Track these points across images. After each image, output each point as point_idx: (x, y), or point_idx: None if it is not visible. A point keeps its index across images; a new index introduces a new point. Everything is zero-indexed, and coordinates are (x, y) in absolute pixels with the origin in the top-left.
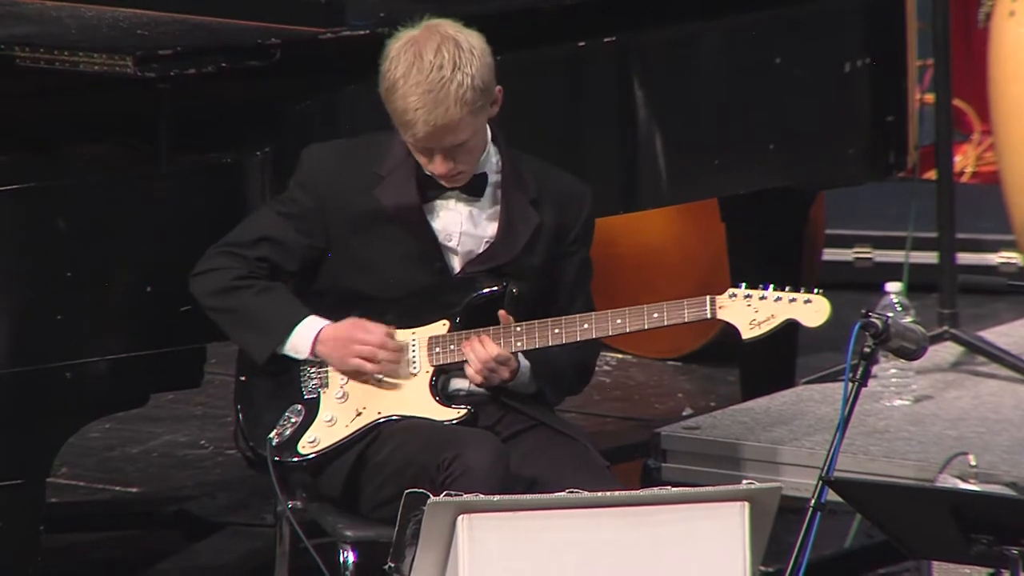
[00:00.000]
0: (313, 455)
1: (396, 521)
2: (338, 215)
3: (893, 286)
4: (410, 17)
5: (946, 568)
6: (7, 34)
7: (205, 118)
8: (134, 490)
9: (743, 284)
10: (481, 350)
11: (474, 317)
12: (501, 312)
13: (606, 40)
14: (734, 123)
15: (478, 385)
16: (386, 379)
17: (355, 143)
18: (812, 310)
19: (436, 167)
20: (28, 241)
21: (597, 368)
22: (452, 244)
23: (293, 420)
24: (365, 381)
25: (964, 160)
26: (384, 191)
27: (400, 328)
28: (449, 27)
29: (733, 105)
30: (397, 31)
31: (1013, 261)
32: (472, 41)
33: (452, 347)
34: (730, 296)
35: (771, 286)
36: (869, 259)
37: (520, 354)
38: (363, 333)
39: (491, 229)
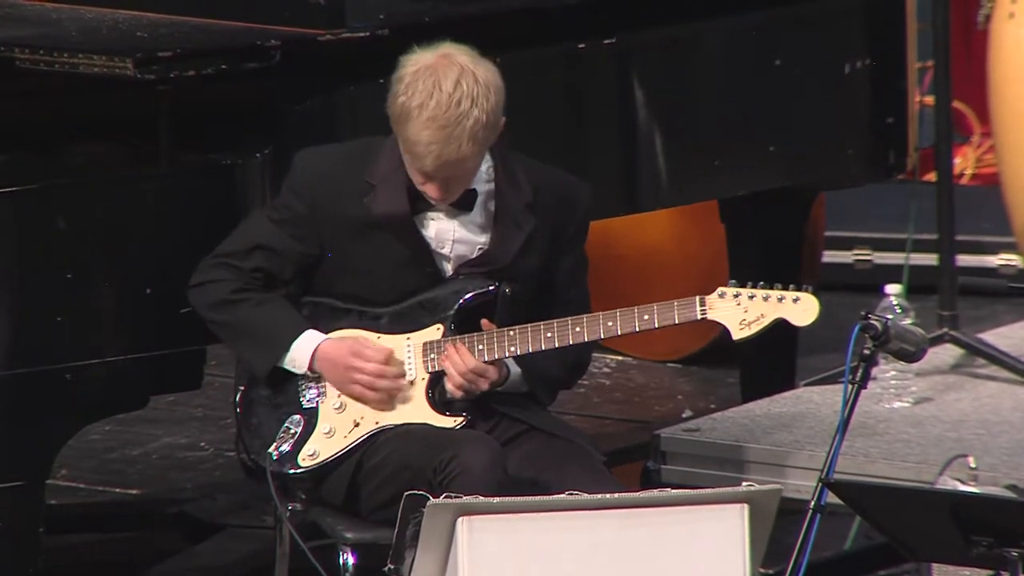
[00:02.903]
0: (313, 467)
1: (395, 523)
2: (331, 221)
3: (893, 288)
4: (410, 18)
5: (946, 570)
6: (7, 36)
7: (205, 119)
8: (134, 492)
9: (732, 282)
10: (459, 362)
11: (468, 320)
12: (483, 321)
13: (606, 41)
14: (734, 124)
15: (459, 396)
16: (389, 385)
17: (348, 148)
18: (801, 309)
19: (430, 190)
20: (28, 242)
21: (597, 370)
22: (445, 251)
23: (292, 431)
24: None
25: (964, 162)
26: (375, 200)
27: (394, 333)
28: (466, 58)
29: (733, 106)
30: (411, 51)
31: (1013, 263)
32: (488, 75)
33: (448, 341)
34: (719, 295)
35: (760, 284)
36: (869, 261)
37: (511, 360)
38: (361, 361)
39: (483, 237)
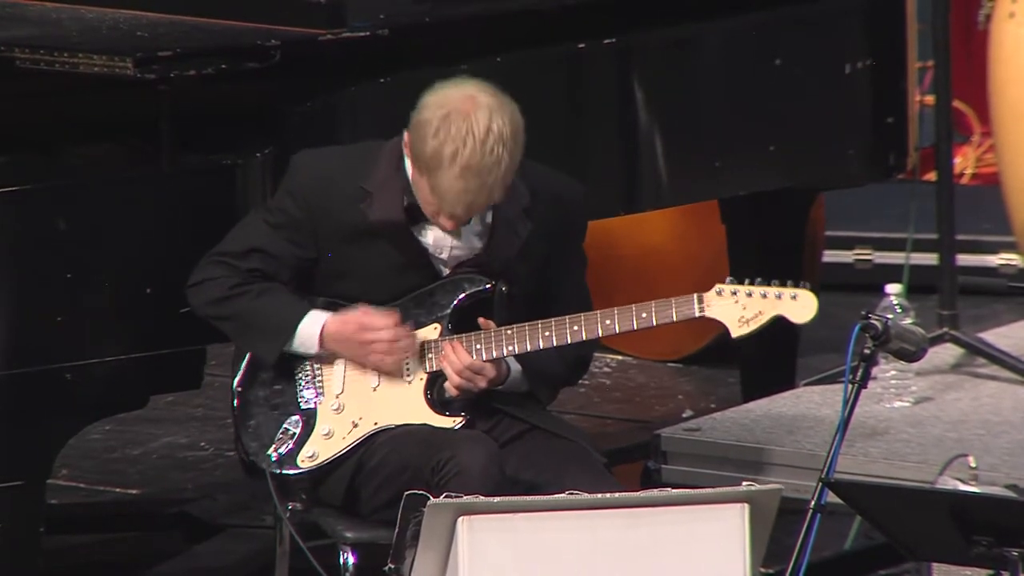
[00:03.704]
0: (312, 469)
1: (395, 523)
2: (327, 225)
3: (893, 288)
4: (410, 18)
5: (946, 570)
6: (8, 36)
7: (205, 119)
8: (134, 492)
9: (730, 279)
10: (455, 360)
11: (465, 319)
12: (481, 319)
13: (606, 41)
14: (734, 124)
15: (458, 395)
16: (382, 387)
17: (346, 152)
18: (799, 306)
19: (444, 223)
20: (28, 242)
21: (597, 370)
22: (443, 256)
23: (291, 432)
24: (362, 389)
25: (964, 162)
26: (372, 208)
27: None
28: (491, 99)
29: (733, 106)
30: (433, 89)
31: (1013, 262)
32: (514, 116)
33: (445, 340)
34: (717, 293)
35: (758, 281)
36: (869, 260)
37: (512, 359)
38: (373, 331)
39: (480, 243)
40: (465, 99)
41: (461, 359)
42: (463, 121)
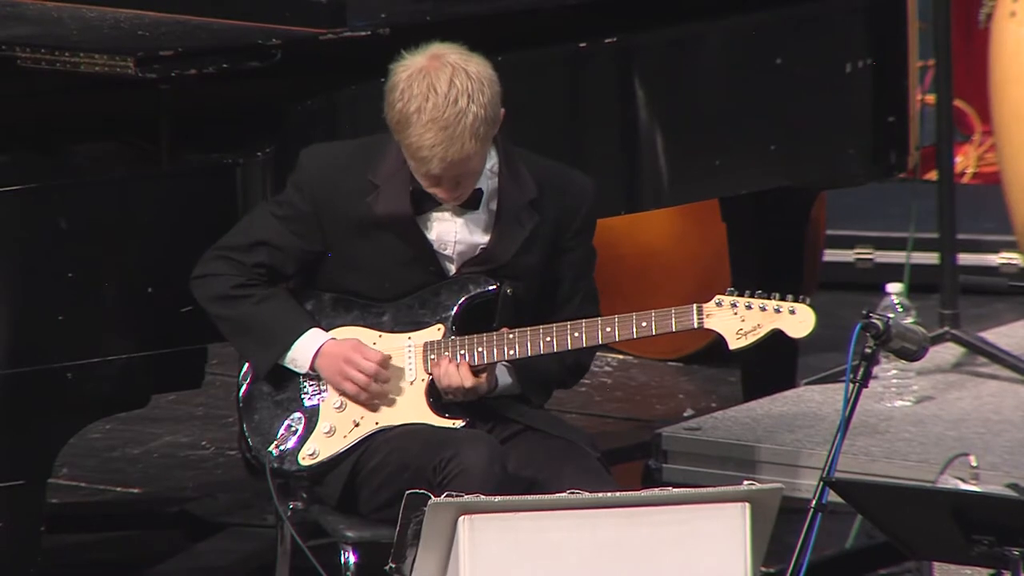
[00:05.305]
0: (312, 467)
1: (396, 522)
2: (334, 219)
3: (894, 287)
4: (411, 17)
5: (947, 569)
6: (8, 35)
7: (206, 119)
8: (135, 491)
9: (730, 290)
10: (455, 375)
11: (468, 320)
12: (504, 330)
13: (607, 41)
14: (735, 123)
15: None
16: (384, 387)
17: (353, 146)
18: (797, 321)
19: (440, 193)
20: (29, 241)
21: (598, 369)
22: (447, 252)
23: (294, 429)
24: None
25: (965, 161)
26: (378, 200)
27: (396, 331)
28: (456, 56)
29: (734, 105)
30: (401, 57)
31: (1014, 262)
32: (480, 69)
33: (446, 353)
34: (717, 304)
35: (758, 292)
36: (870, 260)
37: (503, 370)
38: (359, 359)
39: (486, 237)
40: (429, 59)
41: (458, 379)
42: (424, 79)
